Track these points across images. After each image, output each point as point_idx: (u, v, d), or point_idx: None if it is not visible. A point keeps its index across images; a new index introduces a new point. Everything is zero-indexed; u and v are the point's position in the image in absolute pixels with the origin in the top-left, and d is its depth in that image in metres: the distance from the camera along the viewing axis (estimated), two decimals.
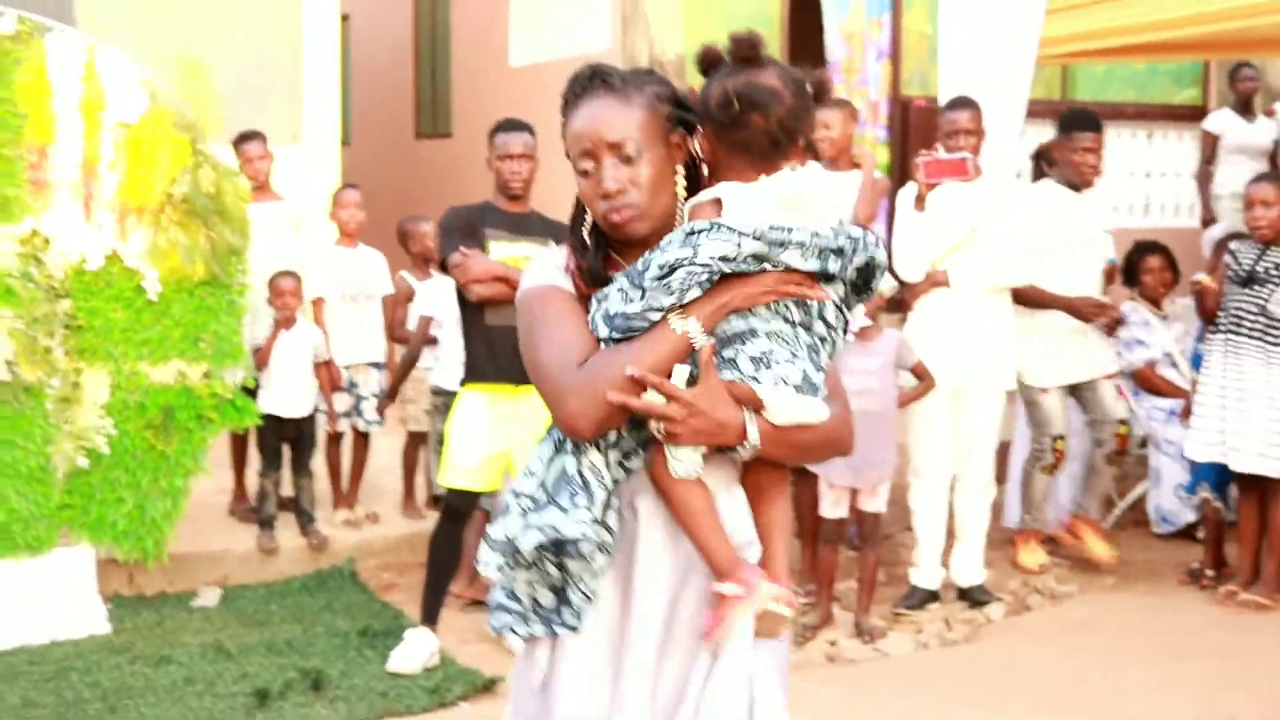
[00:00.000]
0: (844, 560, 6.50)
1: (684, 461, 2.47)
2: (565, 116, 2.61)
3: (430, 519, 6.88)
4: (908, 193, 6.48)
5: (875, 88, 10.19)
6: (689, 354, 2.45)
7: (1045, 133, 10.12)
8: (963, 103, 6.51)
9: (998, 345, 6.42)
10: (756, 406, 2.45)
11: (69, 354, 6.21)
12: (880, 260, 2.58)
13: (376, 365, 7.74)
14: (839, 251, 2.50)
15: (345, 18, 13.10)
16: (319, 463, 7.47)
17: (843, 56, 10.23)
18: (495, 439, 5.83)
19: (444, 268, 5.89)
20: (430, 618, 5.87)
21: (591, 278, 2.60)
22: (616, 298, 2.47)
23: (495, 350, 5.74)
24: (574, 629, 2.55)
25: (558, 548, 2.49)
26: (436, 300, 7.10)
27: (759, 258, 2.44)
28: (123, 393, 6.27)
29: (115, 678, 5.62)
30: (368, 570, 7.07)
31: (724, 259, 2.42)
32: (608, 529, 2.51)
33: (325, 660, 5.80)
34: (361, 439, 7.67)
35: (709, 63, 2.55)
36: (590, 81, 2.60)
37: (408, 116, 13.66)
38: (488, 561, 2.56)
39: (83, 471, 6.25)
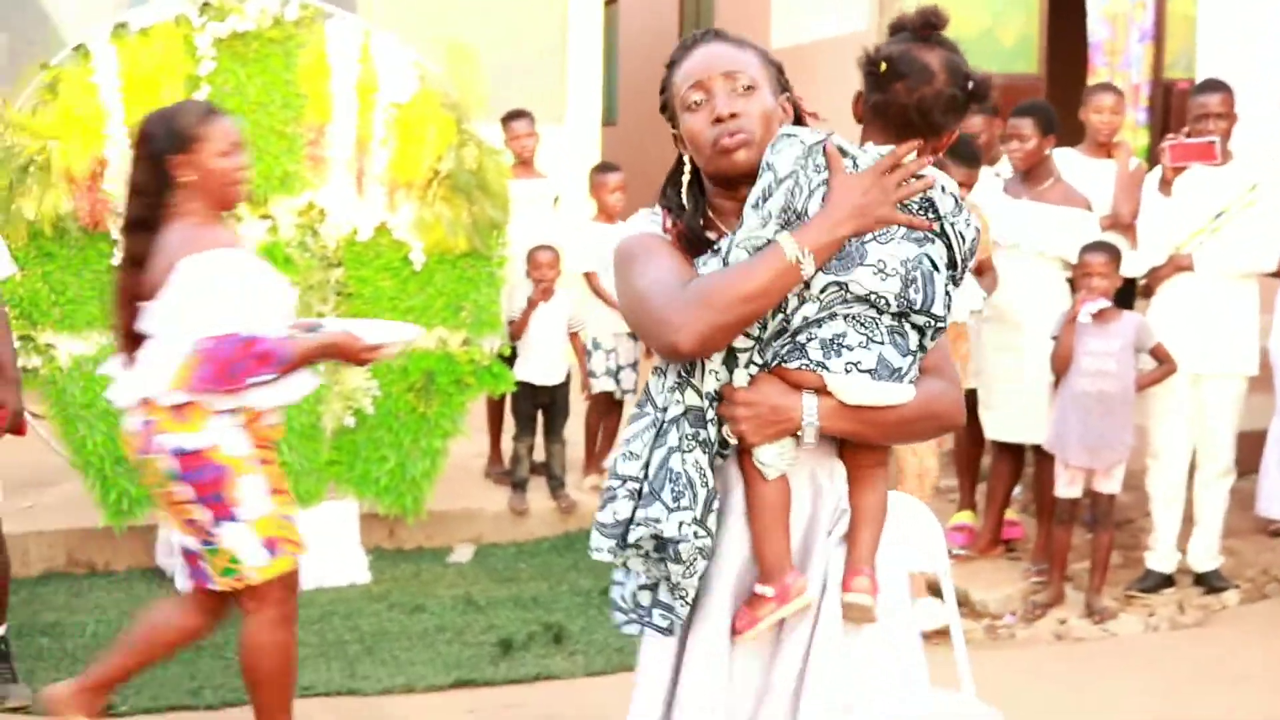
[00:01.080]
0: (1080, 541, 6.50)
1: (768, 465, 2.49)
2: (671, 72, 2.61)
3: None
4: (1154, 176, 6.44)
5: (1137, 70, 10.04)
6: (799, 281, 2.39)
7: None
8: (1213, 85, 6.43)
9: (1240, 331, 6.33)
10: (820, 389, 2.45)
11: (340, 319, 6.63)
12: (972, 239, 2.56)
13: (634, 335, 7.97)
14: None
15: (612, 2, 13.47)
16: (572, 429, 7.77)
17: (1105, 38, 10.12)
18: None
19: None
20: None
21: (690, 239, 2.58)
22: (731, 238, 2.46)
23: None
24: (666, 630, 2.55)
25: (660, 545, 2.48)
26: None
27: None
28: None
29: (373, 623, 6.02)
30: None
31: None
32: (708, 531, 2.49)
33: (567, 616, 6.10)
34: (616, 406, 7.91)
35: (895, 29, 2.54)
36: (703, 35, 2.62)
37: None
38: (599, 547, 2.54)
39: (349, 430, 6.67)
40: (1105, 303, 5.94)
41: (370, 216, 6.62)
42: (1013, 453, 6.69)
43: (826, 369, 2.44)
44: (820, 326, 2.45)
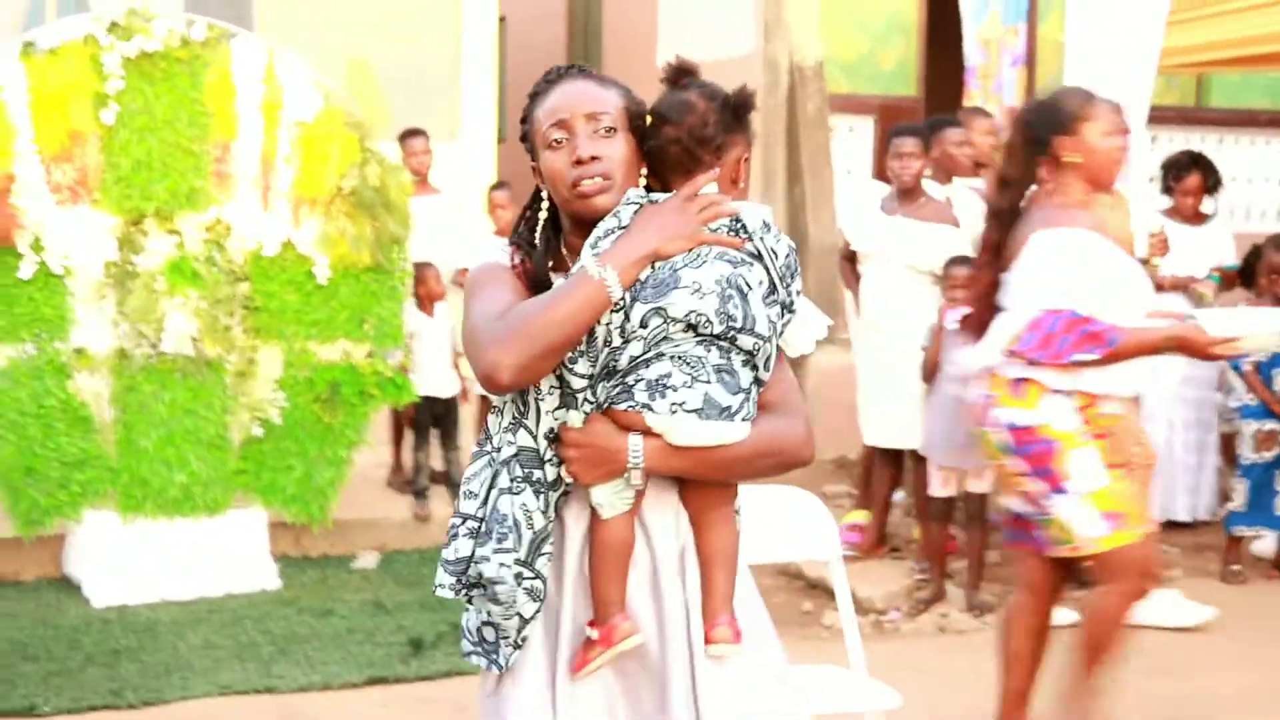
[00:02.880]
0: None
1: (602, 505, 2.50)
2: (533, 104, 2.62)
3: None
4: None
5: (1010, 94, 10.47)
6: (608, 305, 2.41)
7: (1179, 140, 10.38)
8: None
9: None
10: (646, 432, 2.45)
11: (246, 332, 6.79)
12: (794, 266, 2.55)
13: None
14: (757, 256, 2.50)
15: (503, 19, 13.69)
16: (467, 437, 7.99)
17: (980, 63, 10.53)
18: None
19: None
20: None
21: (533, 279, 2.58)
22: None
23: None
24: (498, 668, 2.55)
25: (482, 585, 2.49)
26: None
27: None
28: (294, 369, 6.83)
29: (284, 626, 6.19)
30: None
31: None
32: (536, 573, 2.49)
33: None
34: None
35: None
36: (567, 70, 2.64)
37: None
38: (442, 583, 2.54)
39: (256, 440, 6.83)
40: (967, 311, 6.32)
41: (276, 232, 6.79)
42: (892, 457, 7.04)
43: (651, 410, 2.44)
44: (647, 367, 2.45)
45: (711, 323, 2.43)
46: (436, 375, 7.69)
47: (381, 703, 5.44)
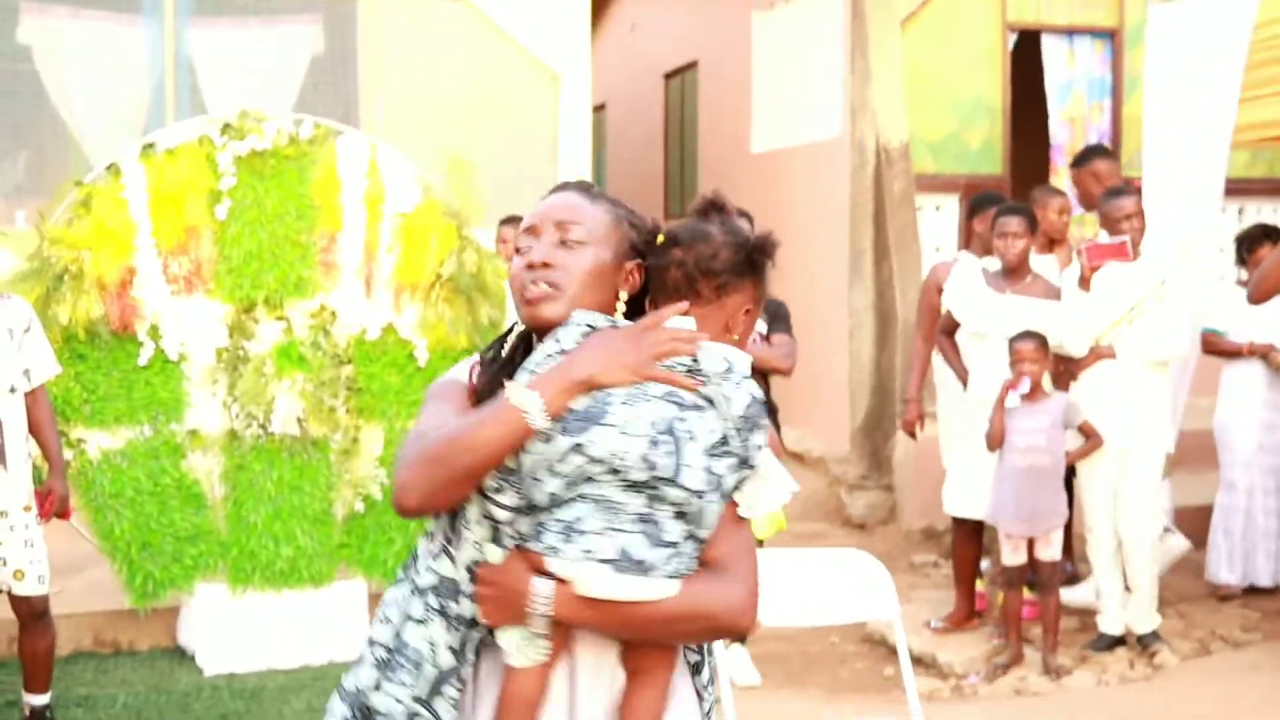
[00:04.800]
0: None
1: (508, 651, 2.30)
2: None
3: None
4: (1072, 273, 6.98)
5: None
6: (526, 434, 2.23)
7: (1265, 212, 10.51)
8: (1126, 191, 7.03)
9: (1157, 412, 6.86)
10: (555, 578, 2.25)
11: (350, 413, 7.15)
12: (755, 416, 2.31)
13: None
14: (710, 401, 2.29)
15: (601, 108, 14.13)
16: None
17: (1065, 140, 10.77)
18: None
19: None
20: None
21: (481, 398, 2.42)
22: None
23: None
24: None
25: (366, 715, 2.37)
26: None
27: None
28: (395, 447, 7.15)
29: None
30: None
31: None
32: (434, 714, 2.34)
33: None
34: None
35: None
36: (564, 185, 2.55)
37: (659, 199, 14.56)
38: (333, 710, 2.42)
39: (359, 515, 7.18)
40: (1030, 384, 6.54)
41: (378, 317, 7.16)
42: (973, 527, 7.21)
43: (558, 554, 2.23)
44: (564, 507, 2.25)
45: (633, 471, 2.21)
46: None
47: None
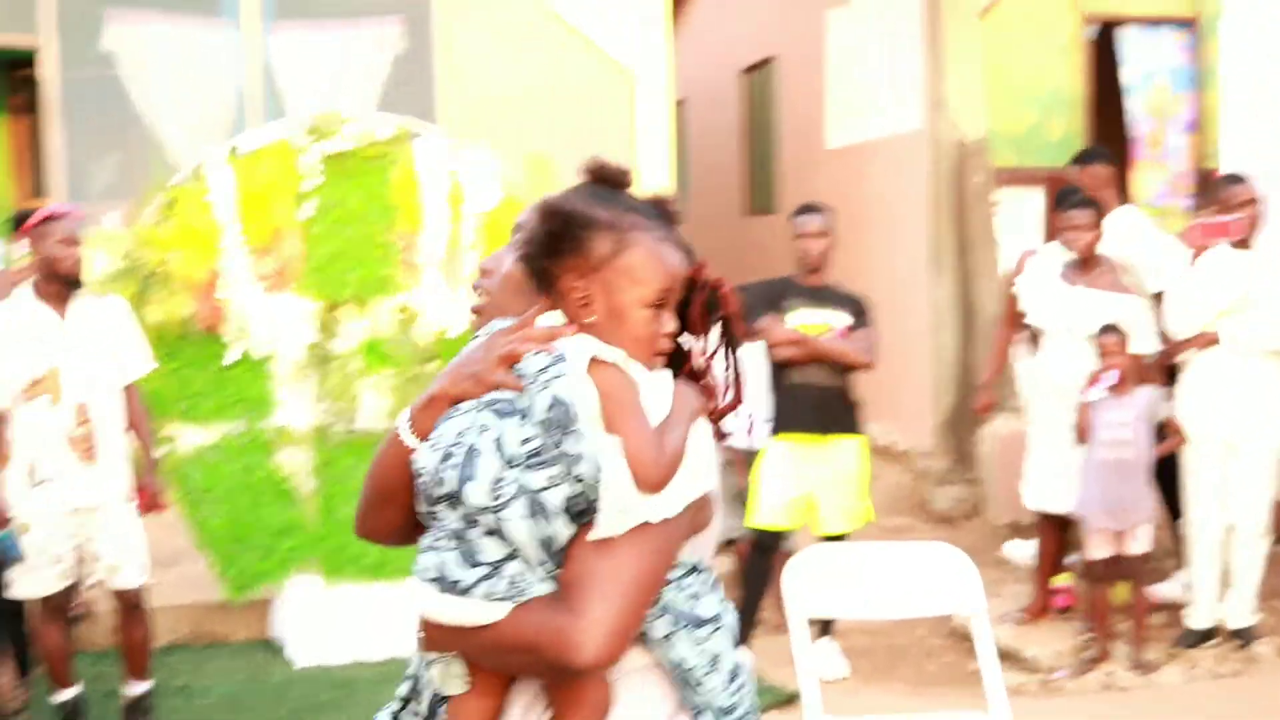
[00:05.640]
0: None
1: (435, 679, 2.20)
2: None
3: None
4: (1179, 253, 6.93)
5: (1178, 160, 10.59)
6: (404, 453, 2.17)
7: None
8: (1240, 178, 6.95)
9: (1271, 403, 6.80)
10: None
11: None
12: (607, 474, 2.03)
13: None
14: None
15: (681, 102, 14.15)
16: None
17: (1147, 131, 10.70)
18: (799, 482, 6.61)
19: (751, 335, 6.71)
20: (743, 639, 6.65)
21: None
22: None
23: (797, 404, 6.55)
24: None
25: None
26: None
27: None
28: None
29: None
30: None
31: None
32: None
33: None
34: None
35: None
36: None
37: (737, 195, 14.57)
38: None
39: None
40: (1117, 376, 6.51)
41: (461, 314, 7.24)
42: (1058, 521, 7.18)
43: (414, 573, 2.15)
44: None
45: (427, 484, 2.12)
46: None
47: None
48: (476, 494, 2.02)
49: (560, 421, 2.03)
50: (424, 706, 2.25)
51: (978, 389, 7.77)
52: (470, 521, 2.04)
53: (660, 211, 2.27)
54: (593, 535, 2.04)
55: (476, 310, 2.31)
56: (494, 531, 2.03)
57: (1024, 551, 7.92)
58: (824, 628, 6.79)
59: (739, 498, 7.06)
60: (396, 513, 2.22)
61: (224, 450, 6.97)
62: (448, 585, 2.05)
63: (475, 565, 2.04)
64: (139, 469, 5.96)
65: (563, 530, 2.05)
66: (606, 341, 2.13)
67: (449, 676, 2.14)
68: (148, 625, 5.93)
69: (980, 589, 4.47)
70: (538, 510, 2.02)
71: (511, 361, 2.08)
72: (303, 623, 7.03)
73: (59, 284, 5.71)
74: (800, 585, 4.43)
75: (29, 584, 5.72)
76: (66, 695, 5.83)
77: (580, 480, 2.03)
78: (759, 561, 6.66)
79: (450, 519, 2.06)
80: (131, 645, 5.89)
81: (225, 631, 7.33)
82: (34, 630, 5.94)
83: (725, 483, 7.65)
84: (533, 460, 2.02)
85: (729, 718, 2.19)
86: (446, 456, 2.06)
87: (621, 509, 2.03)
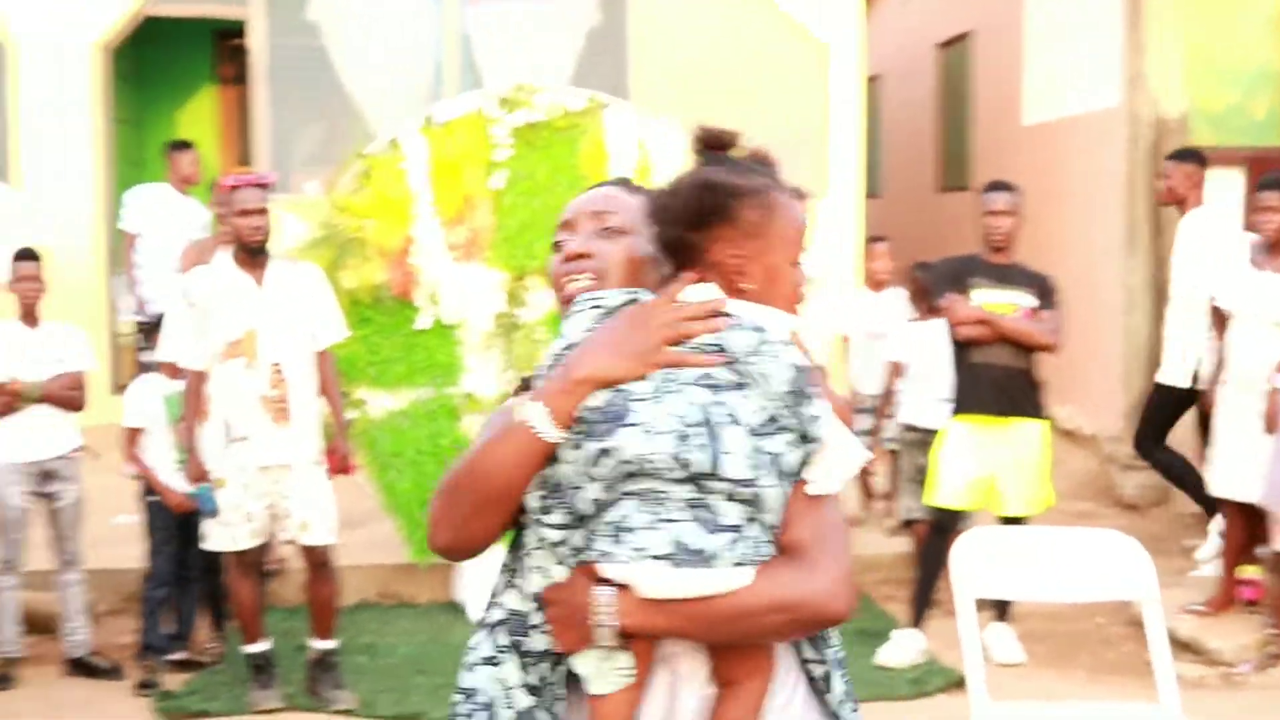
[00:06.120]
0: None
1: (590, 678, 2.07)
2: None
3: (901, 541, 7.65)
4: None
5: None
6: (539, 448, 2.05)
7: None
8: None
9: None
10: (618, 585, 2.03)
11: None
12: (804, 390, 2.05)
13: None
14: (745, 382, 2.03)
15: (875, 78, 14.06)
16: None
17: None
18: (980, 464, 6.55)
19: (935, 312, 6.66)
20: (918, 620, 6.62)
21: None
22: None
23: (980, 384, 6.48)
24: None
25: None
26: (903, 344, 7.65)
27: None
28: None
29: None
30: (870, 584, 7.83)
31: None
32: None
33: None
34: None
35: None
36: (605, 181, 2.41)
37: (930, 171, 14.42)
38: None
39: None
40: None
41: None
42: (1246, 510, 7.00)
43: (610, 557, 2.01)
44: (609, 509, 2.03)
45: (664, 470, 2.00)
46: None
47: None
48: (735, 467, 1.98)
49: (800, 391, 2.03)
50: (536, 677, 2.14)
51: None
52: (707, 491, 2.00)
53: (770, 168, 2.21)
54: (814, 491, 2.08)
55: (575, 295, 2.18)
56: (733, 496, 2.00)
57: (1207, 552, 7.71)
58: (1000, 612, 6.74)
59: (917, 477, 7.02)
60: (503, 516, 2.12)
61: (412, 416, 7.15)
62: (689, 557, 1.98)
63: (719, 530, 2.00)
64: (329, 433, 6.14)
65: (786, 491, 2.07)
66: (762, 304, 2.13)
67: (608, 669, 2.05)
68: (335, 584, 6.13)
69: (1153, 577, 4.41)
70: (783, 475, 2.04)
71: (678, 340, 2.03)
72: (484, 587, 7.16)
73: (247, 251, 5.90)
74: (967, 566, 4.41)
75: (223, 538, 5.94)
76: (257, 648, 6.05)
77: (812, 441, 2.05)
78: (936, 542, 6.62)
79: (676, 493, 1.99)
80: (319, 603, 6.08)
81: (410, 593, 7.52)
82: (228, 585, 6.17)
83: (905, 462, 7.63)
84: (768, 428, 2.02)
85: (845, 670, 2.27)
86: (683, 437, 1.98)
87: (841, 468, 2.09)
